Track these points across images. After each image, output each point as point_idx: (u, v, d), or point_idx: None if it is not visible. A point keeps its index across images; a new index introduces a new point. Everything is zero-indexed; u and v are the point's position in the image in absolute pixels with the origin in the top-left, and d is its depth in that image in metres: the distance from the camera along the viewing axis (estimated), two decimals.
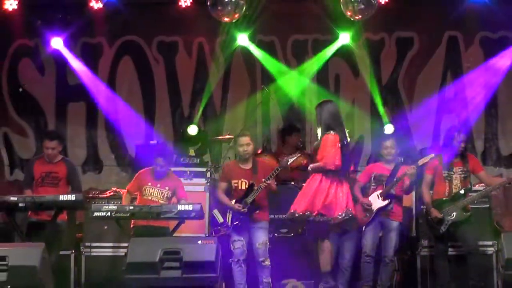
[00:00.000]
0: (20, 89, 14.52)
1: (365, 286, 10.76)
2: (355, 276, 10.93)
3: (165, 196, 11.07)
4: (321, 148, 9.88)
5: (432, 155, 10.87)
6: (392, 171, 10.75)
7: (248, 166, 10.74)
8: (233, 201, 10.66)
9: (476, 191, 10.86)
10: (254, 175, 10.62)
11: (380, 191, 10.75)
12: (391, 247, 10.78)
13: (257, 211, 10.63)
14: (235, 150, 11.12)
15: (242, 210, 10.57)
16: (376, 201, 10.62)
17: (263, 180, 10.48)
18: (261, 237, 10.51)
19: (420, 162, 10.94)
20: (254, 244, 10.48)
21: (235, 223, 10.64)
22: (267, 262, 10.43)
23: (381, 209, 10.68)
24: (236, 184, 10.73)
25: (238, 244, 10.57)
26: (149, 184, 11.04)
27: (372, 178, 10.75)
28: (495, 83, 14.32)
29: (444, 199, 10.52)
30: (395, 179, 10.68)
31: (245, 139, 10.81)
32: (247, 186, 10.60)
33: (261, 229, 10.57)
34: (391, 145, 10.99)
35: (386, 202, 10.71)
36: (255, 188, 10.51)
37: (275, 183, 10.82)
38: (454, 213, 10.40)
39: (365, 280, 10.79)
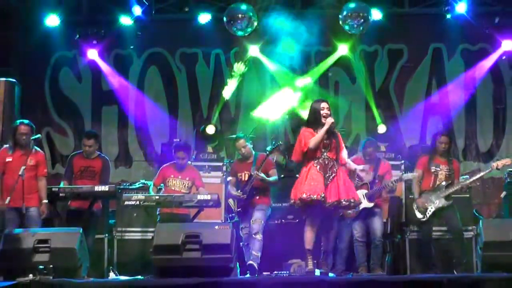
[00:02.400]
0: None
1: (362, 267, 10.76)
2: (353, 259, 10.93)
3: (186, 186, 11.06)
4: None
5: (415, 174, 10.87)
6: (374, 170, 10.78)
7: (250, 160, 10.89)
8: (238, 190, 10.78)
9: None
10: (252, 168, 10.73)
11: (365, 191, 10.74)
12: (377, 229, 10.81)
13: (257, 197, 10.70)
14: (238, 150, 11.19)
15: (242, 196, 10.69)
16: (362, 200, 10.53)
17: (255, 171, 10.59)
18: (256, 215, 10.58)
19: (405, 177, 10.96)
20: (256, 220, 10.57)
21: (238, 209, 10.84)
22: (259, 237, 10.43)
23: (365, 208, 10.71)
24: (240, 177, 10.87)
25: (245, 230, 10.69)
26: (172, 176, 11.05)
27: (356, 175, 10.53)
28: (474, 88, 14.31)
29: (428, 190, 10.55)
30: (376, 181, 10.72)
31: (240, 143, 11.01)
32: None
33: (259, 210, 10.61)
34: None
35: (372, 204, 10.74)
36: (252, 178, 10.61)
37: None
38: (437, 201, 10.41)
39: (361, 262, 10.80)
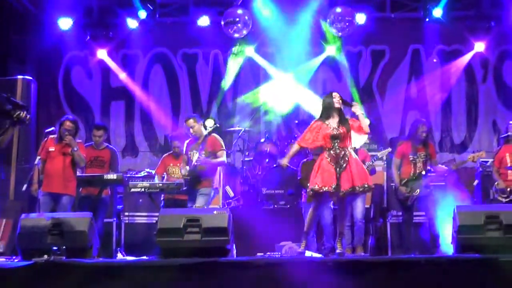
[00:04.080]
0: None
1: (347, 248, 10.60)
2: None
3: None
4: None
5: (389, 149, 10.87)
6: None
7: (200, 141, 10.40)
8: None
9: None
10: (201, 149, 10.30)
11: None
12: (359, 212, 10.75)
13: (201, 178, 10.26)
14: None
15: (186, 176, 10.31)
16: None
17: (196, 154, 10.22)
18: (199, 201, 10.21)
19: (380, 154, 10.94)
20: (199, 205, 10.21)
21: (184, 188, 10.33)
22: None
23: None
24: (190, 155, 10.41)
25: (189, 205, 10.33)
26: (171, 164, 11.08)
27: None
28: (449, 86, 14.32)
29: (409, 178, 10.48)
30: None
31: (188, 122, 10.52)
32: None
33: (202, 195, 10.23)
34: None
35: None
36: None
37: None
38: (418, 190, 10.37)
39: (347, 244, 10.72)
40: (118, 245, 10.81)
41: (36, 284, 7.62)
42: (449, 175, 11.00)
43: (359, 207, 10.81)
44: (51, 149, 10.13)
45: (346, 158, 8.86)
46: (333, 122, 8.98)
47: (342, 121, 9.01)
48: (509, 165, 10.50)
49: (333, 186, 8.78)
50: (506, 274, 7.54)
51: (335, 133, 8.90)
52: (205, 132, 10.50)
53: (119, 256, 10.39)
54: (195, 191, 10.31)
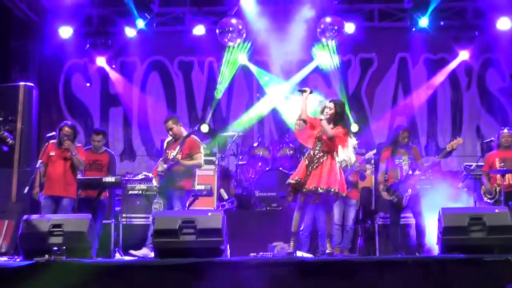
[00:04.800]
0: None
1: (336, 247, 10.60)
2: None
3: None
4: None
5: (375, 150, 10.89)
6: None
7: (179, 141, 10.14)
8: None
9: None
10: (178, 149, 10.02)
11: None
12: (350, 218, 10.77)
13: (177, 179, 9.98)
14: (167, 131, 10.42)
15: (161, 173, 10.05)
16: None
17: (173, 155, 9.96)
18: (176, 204, 9.94)
19: (366, 156, 10.95)
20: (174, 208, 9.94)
21: (158, 185, 10.12)
22: None
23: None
24: (167, 154, 10.15)
25: (156, 205, 10.09)
26: None
27: None
28: (435, 93, 14.36)
29: (398, 181, 10.41)
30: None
31: (167, 124, 10.28)
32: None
33: (177, 197, 9.96)
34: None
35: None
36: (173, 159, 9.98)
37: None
38: (409, 190, 10.31)
39: (337, 244, 10.72)
40: (116, 245, 10.78)
41: (37, 282, 7.62)
42: (434, 177, 10.97)
43: (351, 214, 10.82)
44: (52, 153, 10.13)
45: (321, 160, 8.84)
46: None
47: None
48: (498, 168, 10.54)
49: (296, 179, 8.84)
50: (489, 273, 7.58)
51: (319, 135, 8.93)
52: (184, 133, 10.30)
53: (117, 256, 10.37)
54: (168, 190, 10.06)
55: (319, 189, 8.78)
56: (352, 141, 9.27)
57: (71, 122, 10.73)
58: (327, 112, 8.97)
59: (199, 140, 10.45)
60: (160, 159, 10.40)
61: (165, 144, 10.51)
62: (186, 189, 10.10)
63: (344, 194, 9.04)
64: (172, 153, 10.01)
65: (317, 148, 8.92)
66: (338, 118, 8.98)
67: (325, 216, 9.17)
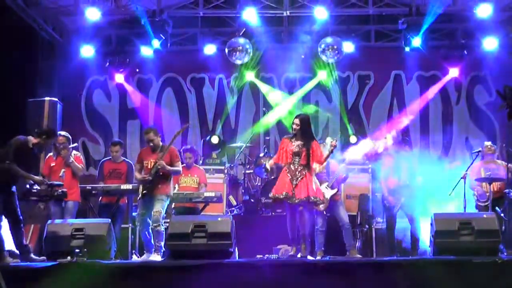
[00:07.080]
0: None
1: (319, 251, 10.24)
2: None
3: (195, 181, 11.04)
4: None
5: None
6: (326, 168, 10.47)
7: (157, 151, 9.78)
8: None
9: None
10: (161, 156, 9.69)
11: (327, 183, 10.42)
12: (343, 217, 10.53)
13: (159, 185, 9.64)
14: (146, 142, 10.05)
15: (147, 178, 9.65)
16: (327, 192, 10.37)
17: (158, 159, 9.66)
18: (157, 207, 9.53)
19: (347, 160, 10.75)
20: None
21: (144, 192, 9.69)
22: (161, 228, 9.51)
23: (332, 195, 10.47)
24: (146, 164, 9.83)
25: (143, 216, 9.71)
26: (183, 175, 10.92)
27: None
28: (427, 107, 14.36)
29: (395, 187, 10.30)
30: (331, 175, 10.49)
31: (148, 136, 9.91)
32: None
33: (159, 201, 9.61)
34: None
35: (335, 190, 10.47)
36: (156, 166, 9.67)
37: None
38: (406, 195, 10.22)
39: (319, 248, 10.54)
40: (133, 248, 10.77)
41: (60, 282, 7.64)
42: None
43: (342, 212, 10.58)
44: (52, 164, 10.20)
45: (304, 173, 9.14)
46: (297, 142, 9.27)
47: (305, 143, 9.23)
48: (482, 177, 10.59)
49: (284, 193, 9.07)
50: (478, 274, 7.57)
51: (296, 150, 9.19)
52: (161, 144, 9.94)
53: (134, 258, 10.36)
54: (151, 196, 9.68)
55: (311, 198, 9.11)
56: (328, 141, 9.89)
57: (64, 131, 10.53)
58: (294, 128, 9.32)
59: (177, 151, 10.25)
60: (135, 168, 10.13)
61: (137, 156, 10.18)
62: (167, 193, 9.82)
63: (324, 201, 9.74)
64: (151, 162, 9.77)
65: (296, 163, 9.20)
66: (304, 131, 9.29)
67: (310, 220, 9.42)
